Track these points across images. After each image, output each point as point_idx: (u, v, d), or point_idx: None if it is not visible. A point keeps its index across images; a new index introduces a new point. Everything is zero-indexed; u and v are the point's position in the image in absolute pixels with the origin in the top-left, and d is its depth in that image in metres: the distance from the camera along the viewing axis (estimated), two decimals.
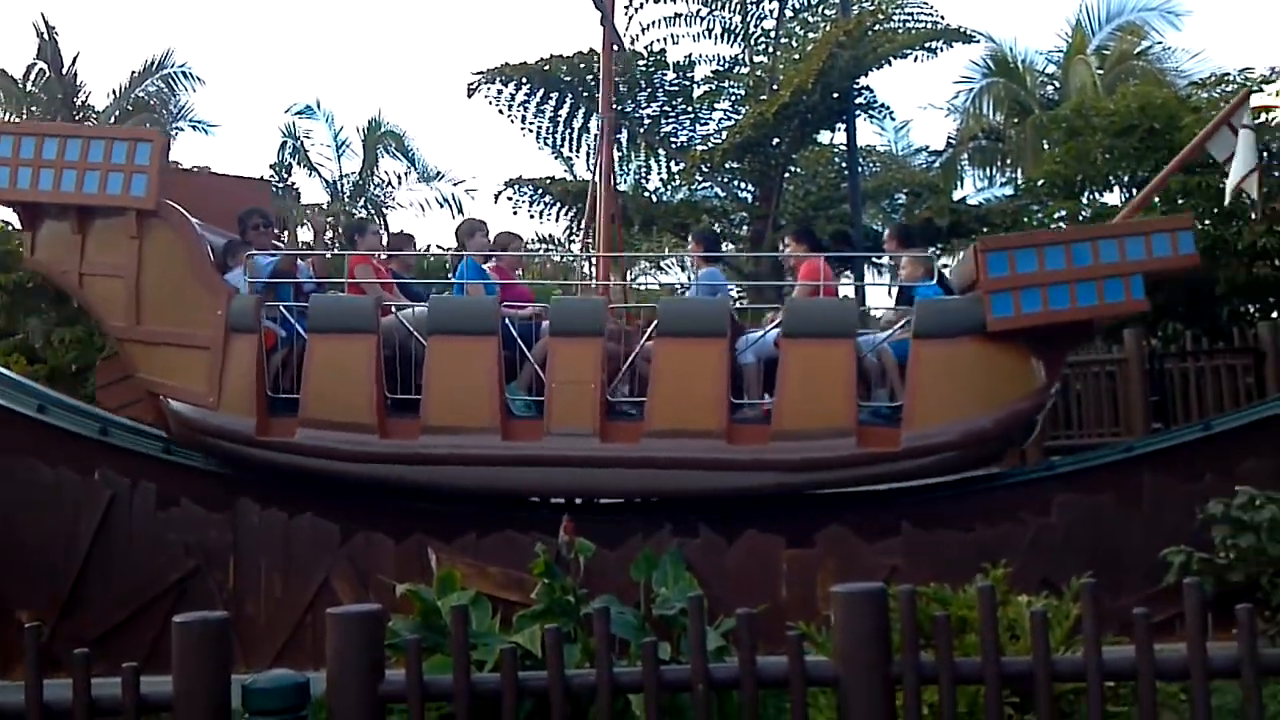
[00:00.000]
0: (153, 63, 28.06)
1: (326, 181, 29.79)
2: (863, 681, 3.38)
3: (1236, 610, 3.33)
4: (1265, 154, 16.92)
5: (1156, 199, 16.60)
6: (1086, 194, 19.13)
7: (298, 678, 3.60)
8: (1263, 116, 18.34)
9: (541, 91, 21.03)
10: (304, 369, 8.48)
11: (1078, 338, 9.06)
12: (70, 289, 9.37)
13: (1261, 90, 19.95)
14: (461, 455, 8.28)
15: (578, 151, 22.31)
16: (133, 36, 56.91)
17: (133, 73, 27.97)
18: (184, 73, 28.31)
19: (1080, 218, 17.84)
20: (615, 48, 11.23)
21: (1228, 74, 20.16)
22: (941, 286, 8.75)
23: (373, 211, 30.05)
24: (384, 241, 10.17)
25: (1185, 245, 8.25)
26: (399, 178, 30.54)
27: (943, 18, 20.55)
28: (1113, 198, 19.21)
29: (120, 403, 9.42)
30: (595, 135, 21.59)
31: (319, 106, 30.48)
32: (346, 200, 29.55)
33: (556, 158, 22.69)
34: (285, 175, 28.54)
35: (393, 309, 8.71)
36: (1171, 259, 8.22)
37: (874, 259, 18.22)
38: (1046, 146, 21.87)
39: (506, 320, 8.53)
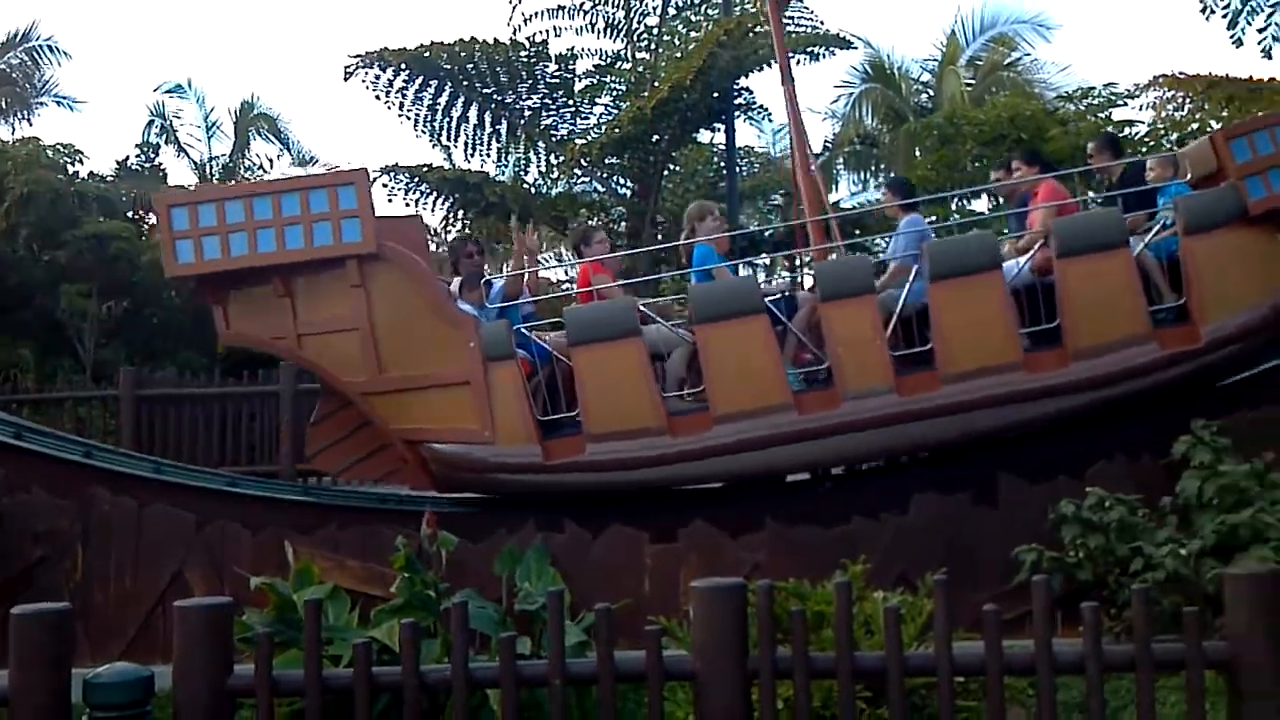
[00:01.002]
0: (16, 35, 27.05)
1: (195, 163, 29.04)
2: (720, 676, 3.39)
3: (1082, 608, 3.41)
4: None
5: None
6: (956, 201, 19.59)
7: (141, 671, 3.48)
8: (1126, 130, 19.03)
9: (420, 78, 20.78)
10: (577, 384, 8.22)
11: None
12: (286, 354, 8.78)
13: (1126, 104, 20.70)
14: (756, 440, 8.09)
15: (456, 140, 22.13)
16: None
17: None
18: (50, 46, 27.35)
19: (949, 223, 18.27)
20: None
21: (1093, 88, 20.88)
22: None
23: None
24: (609, 247, 9.91)
25: None
26: (271, 161, 29.90)
27: (823, 23, 20.88)
28: (980, 205, 19.72)
29: (342, 465, 8.97)
30: (474, 125, 21.67)
31: (190, 86, 29.67)
32: (215, 183, 28.82)
33: (434, 145, 22.47)
34: (152, 155, 27.69)
35: (638, 309, 8.56)
36: None
37: (753, 261, 18.36)
38: (919, 153, 22.35)
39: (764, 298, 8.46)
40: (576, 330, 8.23)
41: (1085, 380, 8.04)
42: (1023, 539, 7.06)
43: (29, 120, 27.84)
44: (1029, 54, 26.44)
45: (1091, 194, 10.39)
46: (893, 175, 11.18)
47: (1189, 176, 8.73)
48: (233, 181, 29.19)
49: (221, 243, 8.08)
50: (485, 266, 9.60)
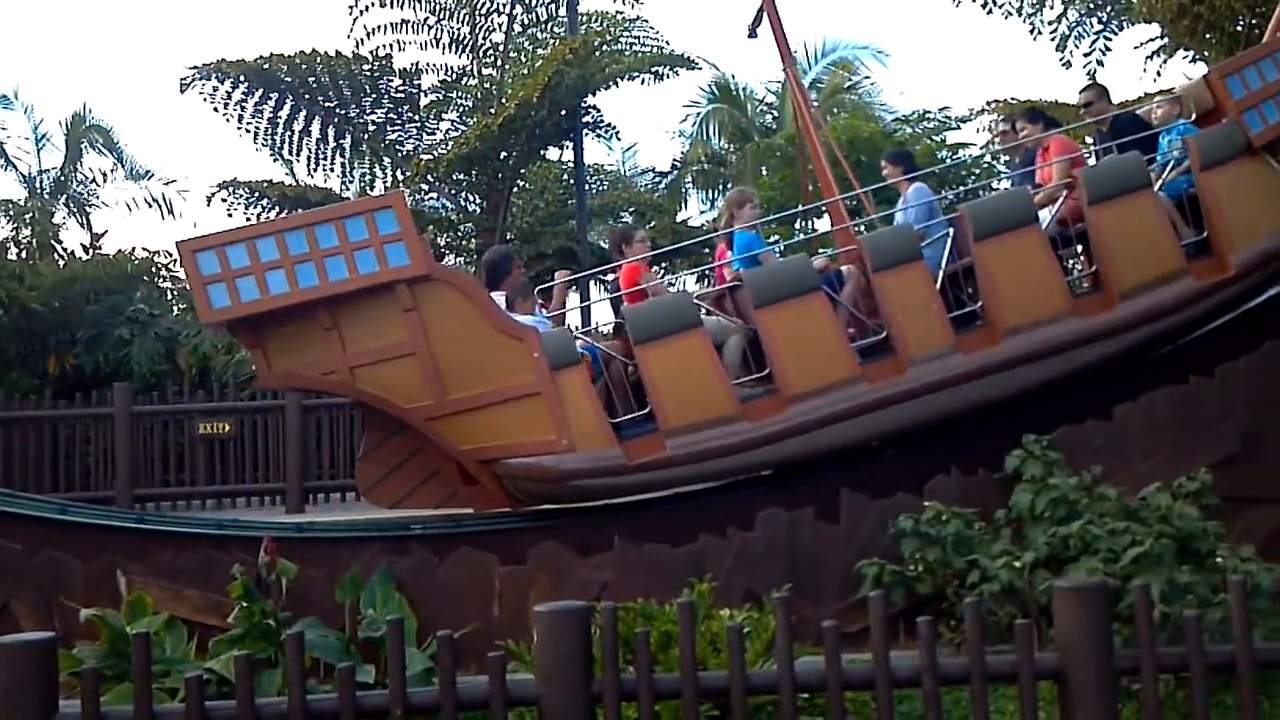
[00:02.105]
0: None
1: (24, 176, 27.84)
2: (564, 701, 3.37)
3: (917, 623, 3.49)
4: (963, 190, 18.14)
5: (864, 228, 17.55)
6: (800, 220, 20.00)
7: None
8: (960, 152, 19.73)
9: (260, 91, 20.36)
10: (647, 382, 8.07)
11: None
12: (340, 388, 8.27)
13: (959, 128, 21.46)
14: (831, 415, 8.08)
15: (299, 155, 21.73)
16: None
17: None
18: None
19: (792, 240, 18.65)
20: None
21: (928, 112, 21.59)
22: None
23: (74, 209, 28.31)
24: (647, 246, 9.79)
25: None
26: (104, 175, 28.85)
27: (668, 44, 21.13)
28: (823, 224, 20.15)
29: (395, 498, 8.51)
30: (317, 139, 21.30)
31: (16, 96, 28.43)
32: (46, 197, 27.71)
33: (276, 160, 22.01)
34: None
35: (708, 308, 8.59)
36: None
37: (600, 275, 18.38)
38: (764, 172, 22.76)
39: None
40: (641, 329, 8.20)
41: (1132, 319, 8.36)
42: (864, 553, 7.21)
43: None
44: (868, 78, 27.25)
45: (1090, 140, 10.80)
46: (894, 150, 11.48)
47: (1193, 116, 9.14)
48: (64, 196, 28.15)
49: (259, 282, 7.77)
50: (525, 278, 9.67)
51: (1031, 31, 18.46)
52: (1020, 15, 18.55)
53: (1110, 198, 8.40)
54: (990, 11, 18.40)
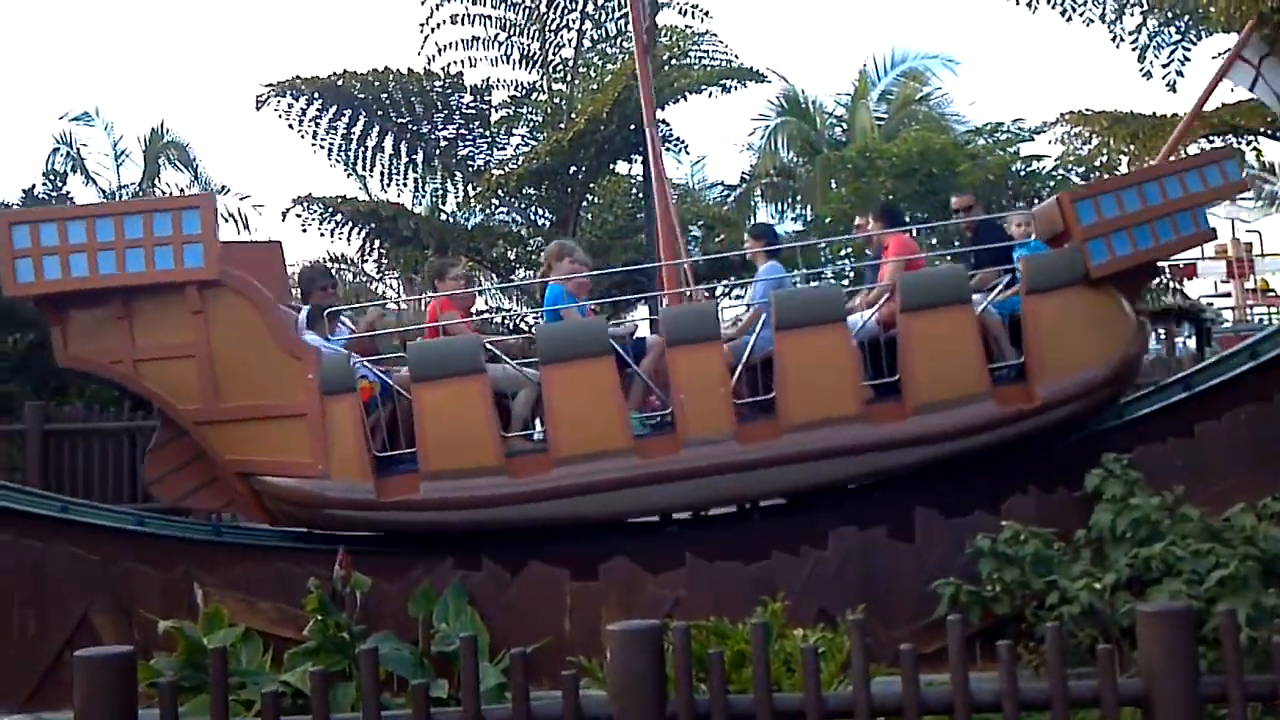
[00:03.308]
0: None
1: (104, 191, 28.46)
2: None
3: (998, 646, 3.43)
4: (1036, 200, 17.90)
5: (937, 240, 17.40)
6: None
7: None
8: (1034, 164, 19.48)
9: (334, 107, 20.61)
10: (416, 421, 8.02)
11: (1148, 276, 9.48)
12: (123, 378, 8.40)
13: (1033, 139, 21.18)
14: (598, 483, 7.97)
15: (372, 170, 21.96)
16: None
17: None
18: None
19: (865, 255, 18.50)
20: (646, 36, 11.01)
21: (1001, 123, 21.34)
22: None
23: None
24: (465, 283, 9.73)
25: (1233, 173, 8.76)
26: (181, 190, 29.41)
27: (737, 57, 21.07)
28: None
29: (179, 493, 8.63)
30: (389, 155, 21.53)
31: (97, 113, 29.10)
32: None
33: (349, 175, 22.27)
34: (59, 184, 27.10)
35: (485, 346, 8.43)
36: (1224, 187, 8.69)
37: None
38: (834, 185, 22.64)
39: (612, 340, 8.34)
40: (419, 365, 8.14)
41: (923, 435, 8.12)
42: (939, 573, 7.11)
43: None
44: (939, 89, 27.02)
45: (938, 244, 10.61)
46: (756, 222, 11.12)
47: (1048, 235, 8.88)
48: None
49: (62, 263, 7.91)
50: (337, 299, 9.47)
51: (1113, 39, 18.16)
52: (1102, 21, 18.24)
53: (924, 308, 8.18)
54: (1069, 19, 18.11)
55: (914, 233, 10.71)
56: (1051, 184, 18.93)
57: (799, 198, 26.95)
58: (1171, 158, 9.58)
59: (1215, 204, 9.20)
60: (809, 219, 23.72)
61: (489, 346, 8.55)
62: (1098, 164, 19.05)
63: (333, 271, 9.17)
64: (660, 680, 3.39)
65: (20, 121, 50.45)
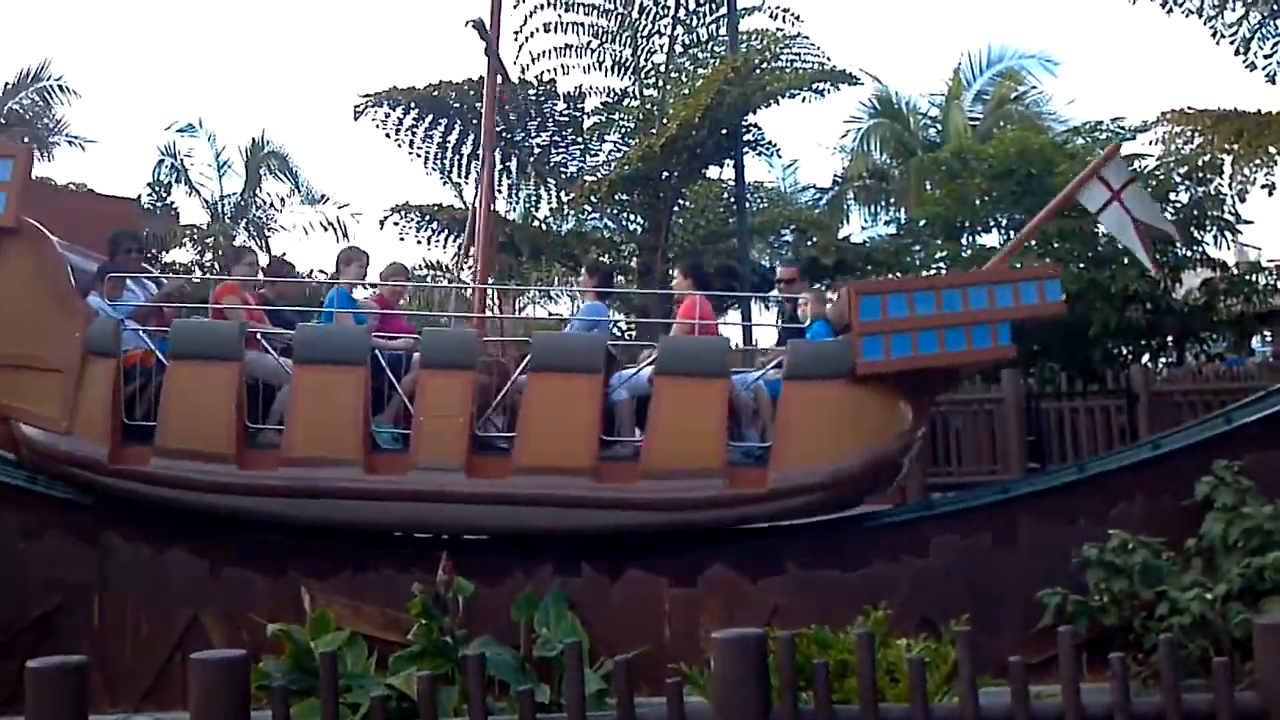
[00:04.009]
0: (27, 75, 27.27)
1: (206, 202, 29.14)
2: None
3: (1110, 660, 3.38)
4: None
5: (1032, 241, 17.12)
6: (966, 235, 19.59)
7: None
8: (1135, 164, 19.04)
9: (430, 117, 20.86)
10: (162, 395, 8.14)
11: (945, 382, 9.11)
12: None
13: (1134, 138, 20.74)
14: (323, 488, 7.96)
15: (466, 178, 22.18)
16: (6, 49, 55.21)
17: (6, 85, 27.19)
18: (60, 86, 27.57)
19: (960, 258, 18.25)
20: (501, 78, 11.03)
21: (1100, 122, 20.92)
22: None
23: (254, 234, 29.50)
24: (260, 271, 9.76)
25: (1052, 293, 8.36)
26: (282, 200, 30.01)
27: (829, 59, 20.91)
28: (991, 239, 19.71)
29: None
30: (481, 162, 21.76)
31: (200, 125, 29.79)
32: (227, 221, 28.95)
33: (445, 183, 22.55)
34: (164, 194, 27.82)
35: (258, 337, 8.44)
36: (1039, 306, 8.32)
37: (762, 296, 18.40)
38: (928, 187, 22.36)
39: (376, 351, 8.32)
40: (177, 341, 8.21)
41: (647, 501, 7.94)
42: (1043, 582, 7.00)
43: (48, 157, 28.07)
44: (1035, 88, 26.53)
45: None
46: (594, 261, 10.74)
47: (831, 319, 8.75)
48: (244, 221, 29.35)
49: None
50: (138, 265, 9.44)
51: (1213, 35, 17.72)
52: (1200, 16, 17.81)
53: (678, 374, 8.01)
54: (1170, 11, 17.71)
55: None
56: (1153, 183, 18.51)
57: (893, 200, 26.65)
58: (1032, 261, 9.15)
59: (1024, 321, 8.75)
60: (903, 221, 23.45)
61: (264, 338, 8.50)
62: (1201, 163, 18.58)
63: (141, 236, 9.08)
64: (764, 688, 3.38)
65: (129, 133, 51.95)
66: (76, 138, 28.42)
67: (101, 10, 59.56)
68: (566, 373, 8.03)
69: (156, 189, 27.76)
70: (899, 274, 19.76)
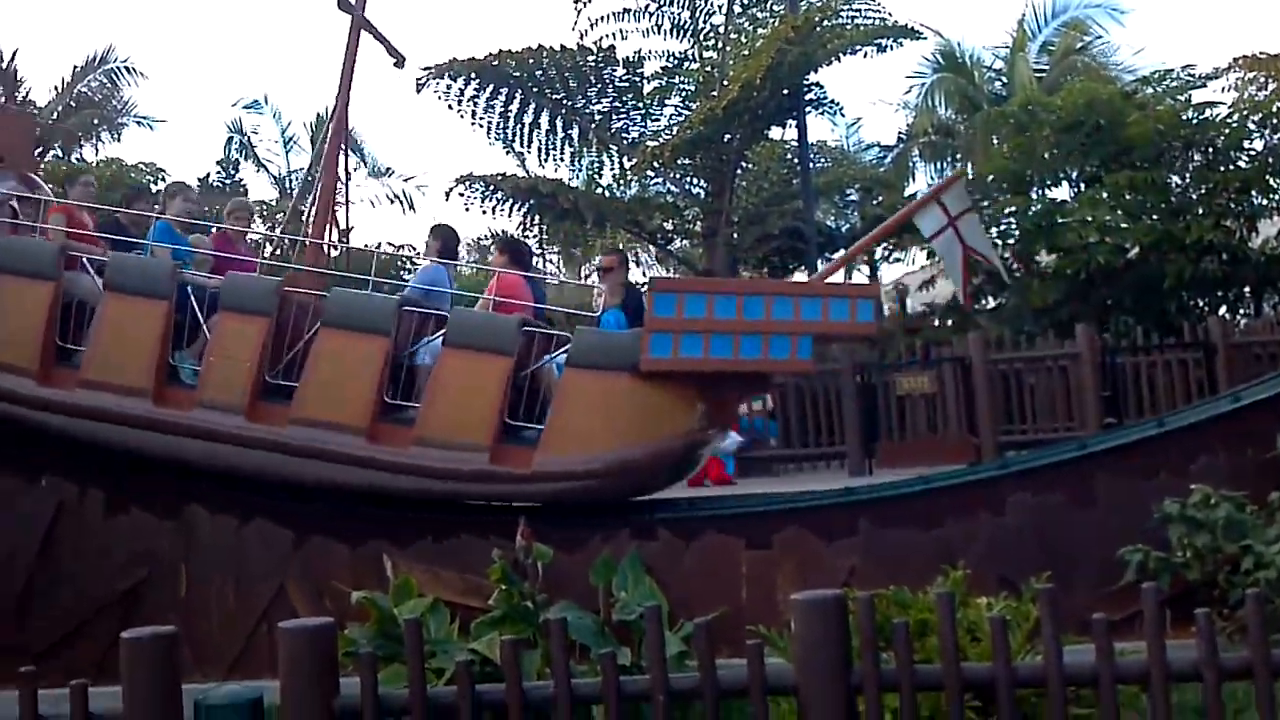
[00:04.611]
0: (95, 58, 27.74)
1: (274, 177, 29.52)
2: (823, 690, 3.37)
3: (1196, 615, 3.34)
4: (1211, 150, 17.14)
5: (1104, 193, 16.84)
6: (1035, 189, 19.31)
7: (250, 692, 3.54)
8: (1206, 112, 18.63)
9: (491, 87, 20.97)
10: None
11: (749, 386, 8.92)
12: None
13: (1205, 86, 20.27)
14: (112, 413, 8.22)
15: (529, 146, 22.31)
16: (74, 31, 56.09)
17: (75, 68, 27.70)
18: (127, 68, 28.02)
19: (1029, 212, 18.00)
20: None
21: (1170, 70, 20.46)
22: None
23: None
24: (93, 195, 9.99)
25: (864, 313, 8.12)
26: (348, 174, 30.26)
27: (890, 14, 20.67)
28: (1060, 192, 19.42)
29: None
30: (546, 131, 21.83)
31: (266, 101, 30.16)
32: (296, 196, 29.26)
33: (508, 153, 22.66)
34: (233, 171, 28.22)
35: (82, 260, 8.66)
36: (847, 324, 8.15)
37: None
38: (995, 141, 22.06)
39: (190, 287, 8.52)
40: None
41: (415, 466, 8.03)
42: (1122, 539, 6.93)
43: (117, 138, 28.56)
44: (1101, 38, 26.00)
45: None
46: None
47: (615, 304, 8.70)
48: (310, 197, 29.62)
49: None
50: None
51: None
52: None
53: (463, 347, 8.05)
54: None
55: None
56: (1225, 132, 18.10)
57: (959, 155, 26.33)
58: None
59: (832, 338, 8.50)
60: (970, 177, 23.17)
61: (89, 262, 8.65)
62: (1275, 109, 18.12)
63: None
64: (844, 649, 3.39)
65: (196, 112, 52.69)
66: (144, 118, 28.92)
67: None
68: (355, 331, 8.17)
69: (226, 166, 28.16)
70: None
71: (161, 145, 64.44)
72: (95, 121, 27.92)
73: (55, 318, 8.38)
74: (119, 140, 28.76)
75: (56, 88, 27.45)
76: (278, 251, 10.35)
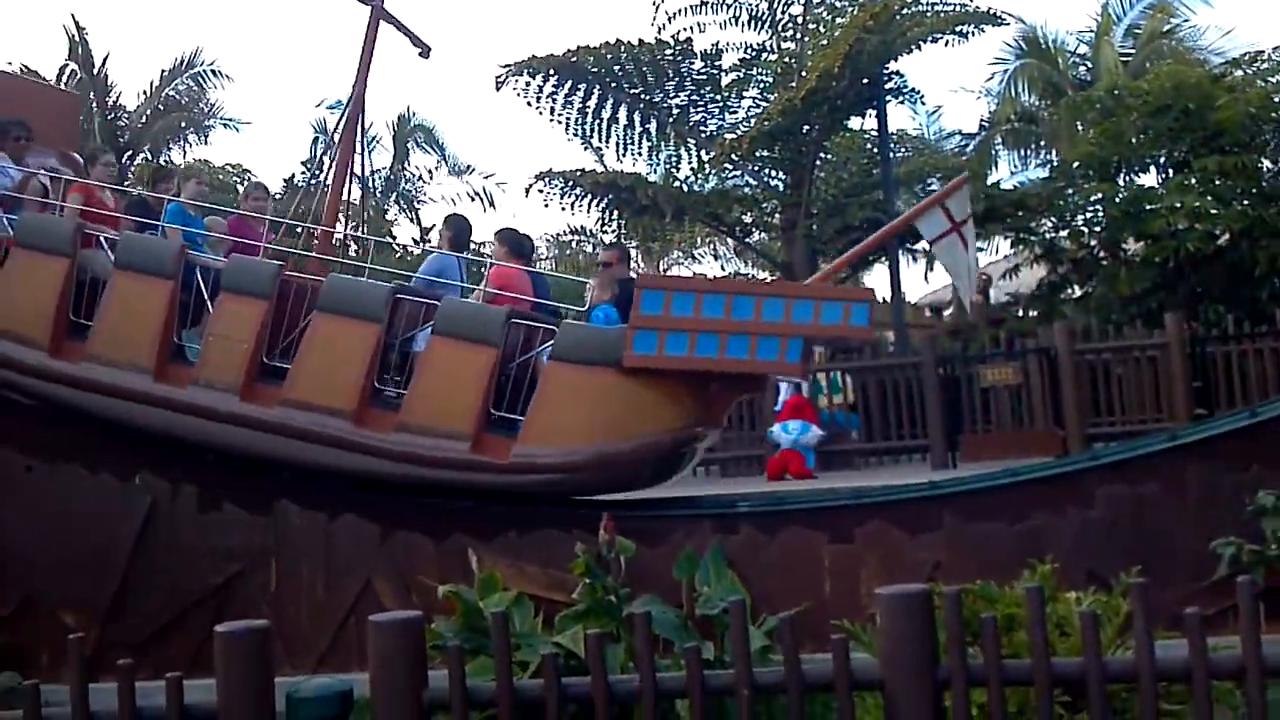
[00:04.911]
0: (182, 62, 28.31)
1: (358, 177, 29.87)
2: (909, 685, 3.35)
3: None
4: None
5: (1192, 179, 16.47)
6: (1123, 175, 18.93)
7: (340, 686, 3.61)
8: None
9: (569, 83, 21.05)
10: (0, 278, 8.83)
11: (740, 386, 8.76)
12: None
13: None
14: (113, 387, 8.50)
15: (607, 142, 22.37)
16: (162, 36, 57.31)
17: (163, 72, 28.31)
18: (213, 71, 28.60)
19: (1116, 199, 17.66)
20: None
21: (1261, 52, 19.92)
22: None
23: (404, 206, 30.18)
24: (113, 175, 10.33)
25: (858, 317, 7.96)
26: (429, 172, 30.63)
27: (971, 1, 20.37)
28: (1149, 179, 19.01)
29: None
30: (624, 126, 21.87)
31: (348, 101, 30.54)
32: (379, 195, 29.66)
33: (586, 148, 22.72)
34: (317, 170, 28.60)
35: (100, 240, 8.94)
36: (839, 328, 8.02)
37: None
38: (1081, 128, 21.65)
39: (199, 268, 8.78)
40: (20, 233, 8.86)
41: (398, 452, 8.14)
42: (1214, 531, 6.79)
43: (204, 140, 29.15)
44: (1188, 20, 25.41)
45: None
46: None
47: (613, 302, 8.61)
48: (394, 194, 30.01)
49: None
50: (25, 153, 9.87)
51: None
52: None
53: (451, 336, 8.12)
54: None
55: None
56: None
57: (1043, 143, 25.90)
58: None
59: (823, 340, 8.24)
60: (1054, 164, 22.76)
61: (106, 240, 8.92)
62: None
63: (29, 125, 9.74)
64: (931, 644, 3.38)
65: (280, 114, 53.75)
66: (230, 120, 29.48)
67: None
68: (348, 317, 8.32)
69: (311, 166, 28.58)
70: (1054, 219, 19.26)
71: (248, 146, 65.59)
72: (183, 124, 28.52)
73: (69, 293, 8.74)
74: (206, 142, 29.40)
75: (145, 91, 28.08)
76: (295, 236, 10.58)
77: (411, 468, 8.19)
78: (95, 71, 26.97)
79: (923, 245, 21.37)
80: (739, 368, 8.02)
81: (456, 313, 8.37)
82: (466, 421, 8.10)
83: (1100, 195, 18.07)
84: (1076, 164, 19.17)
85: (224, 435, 8.47)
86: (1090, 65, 25.30)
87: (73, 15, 37.12)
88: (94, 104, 26.14)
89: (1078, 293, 19.79)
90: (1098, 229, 18.36)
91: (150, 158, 27.40)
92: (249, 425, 8.35)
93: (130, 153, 27.09)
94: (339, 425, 8.25)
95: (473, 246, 9.56)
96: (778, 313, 7.82)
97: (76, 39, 26.90)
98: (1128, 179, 18.92)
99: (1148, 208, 17.10)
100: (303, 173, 28.19)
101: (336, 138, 10.19)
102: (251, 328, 8.45)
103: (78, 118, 10.64)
